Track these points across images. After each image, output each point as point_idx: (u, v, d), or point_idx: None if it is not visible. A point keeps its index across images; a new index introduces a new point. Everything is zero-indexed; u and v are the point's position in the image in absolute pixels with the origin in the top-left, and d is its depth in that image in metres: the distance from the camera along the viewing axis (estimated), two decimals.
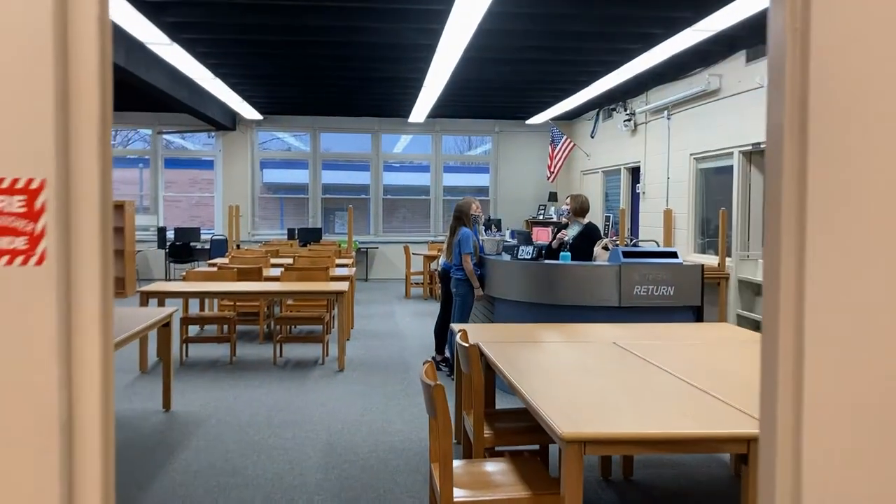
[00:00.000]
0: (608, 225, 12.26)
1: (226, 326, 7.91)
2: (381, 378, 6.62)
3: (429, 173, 15.63)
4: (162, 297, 7.04)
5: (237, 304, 8.40)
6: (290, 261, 9.59)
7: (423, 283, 12.41)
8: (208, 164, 15.32)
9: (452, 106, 13.25)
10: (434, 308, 11.20)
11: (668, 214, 8.44)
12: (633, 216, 11.83)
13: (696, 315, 5.71)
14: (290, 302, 8.48)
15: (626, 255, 5.64)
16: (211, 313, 8.12)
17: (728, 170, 8.91)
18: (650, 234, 10.97)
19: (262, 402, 5.79)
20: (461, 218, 6.62)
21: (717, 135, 8.97)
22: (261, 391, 6.12)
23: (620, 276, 5.59)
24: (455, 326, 4.45)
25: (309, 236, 14.28)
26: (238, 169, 15.04)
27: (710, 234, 9.61)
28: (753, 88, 8.04)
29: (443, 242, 14.94)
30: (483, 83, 10.87)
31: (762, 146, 7.99)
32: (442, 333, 7.04)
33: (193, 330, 8.51)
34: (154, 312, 5.44)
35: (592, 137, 13.80)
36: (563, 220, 6.91)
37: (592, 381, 3.24)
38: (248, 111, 13.85)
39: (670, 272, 5.61)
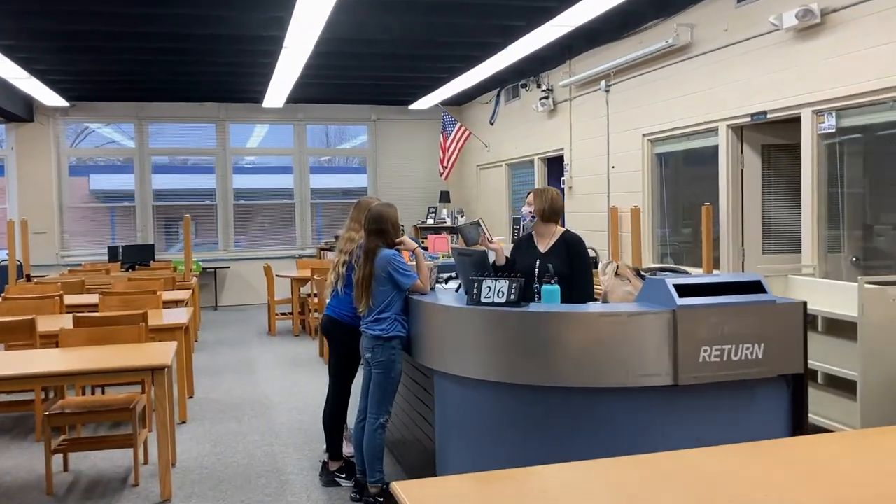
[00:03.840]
0: (519, 231, 9.88)
1: None
2: None
3: (291, 174, 12.67)
4: None
5: None
6: (97, 299, 6.51)
7: (291, 314, 9.51)
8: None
9: (318, 86, 10.44)
10: (310, 348, 8.39)
11: (634, 214, 6.11)
12: None
13: (794, 390, 3.30)
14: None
15: (682, 290, 3.13)
16: None
17: (702, 154, 6.70)
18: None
19: None
20: (385, 232, 3.93)
21: (686, 107, 6.71)
22: None
23: (676, 332, 3.08)
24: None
25: (137, 256, 11.02)
26: (39, 172, 11.52)
27: (673, 240, 7.38)
28: (755, 36, 5.79)
29: (315, 257, 12.11)
30: (360, 47, 8.17)
31: (768, 117, 5.76)
32: (335, 423, 4.31)
33: None
34: None
35: (492, 124, 11.38)
36: (528, 226, 4.36)
37: None
38: (47, 96, 10.44)
39: (757, 318, 3.17)
